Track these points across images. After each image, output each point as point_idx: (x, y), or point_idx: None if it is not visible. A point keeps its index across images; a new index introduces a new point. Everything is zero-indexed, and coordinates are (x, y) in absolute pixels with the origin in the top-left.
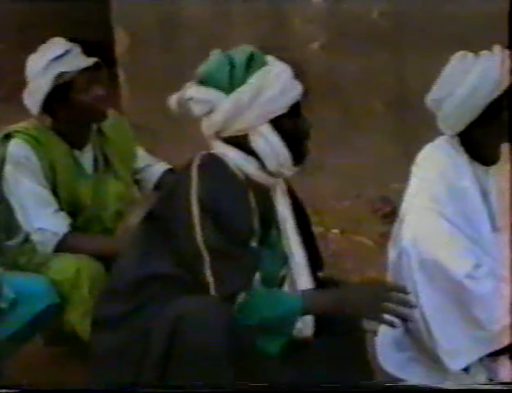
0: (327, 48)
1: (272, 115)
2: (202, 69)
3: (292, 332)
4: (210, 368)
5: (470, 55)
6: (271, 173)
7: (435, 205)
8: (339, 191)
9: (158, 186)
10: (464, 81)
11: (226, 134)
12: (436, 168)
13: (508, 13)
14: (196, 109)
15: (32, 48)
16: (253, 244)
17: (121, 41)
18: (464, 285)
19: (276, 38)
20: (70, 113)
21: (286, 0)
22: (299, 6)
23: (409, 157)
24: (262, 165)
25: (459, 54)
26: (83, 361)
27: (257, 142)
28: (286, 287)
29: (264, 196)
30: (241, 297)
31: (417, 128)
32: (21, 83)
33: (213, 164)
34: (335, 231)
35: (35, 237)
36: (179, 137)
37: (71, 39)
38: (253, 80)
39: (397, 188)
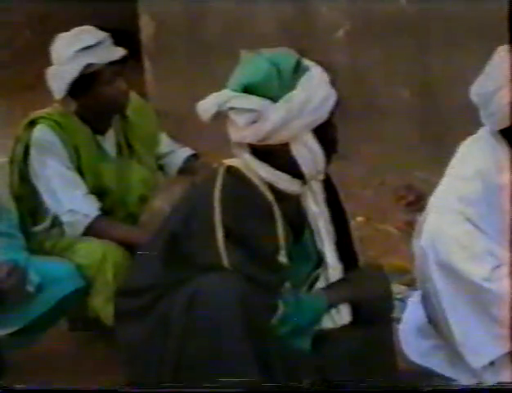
0: (352, 35)
1: (316, 123)
2: (243, 77)
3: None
4: (225, 340)
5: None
6: (303, 181)
7: (461, 207)
8: (364, 179)
9: (182, 171)
10: None
11: (265, 143)
12: (475, 165)
13: (508, 13)
14: (240, 119)
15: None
16: (281, 258)
17: (147, 28)
18: (483, 286)
19: (300, 25)
20: (92, 102)
21: None
22: None
23: (433, 145)
24: (293, 176)
25: (503, 48)
26: (106, 346)
27: (299, 151)
28: (321, 284)
29: (294, 202)
30: (281, 309)
31: (442, 116)
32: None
33: (237, 184)
34: (360, 219)
35: (65, 219)
36: (202, 124)
37: (102, 28)
38: (301, 87)
39: (421, 176)
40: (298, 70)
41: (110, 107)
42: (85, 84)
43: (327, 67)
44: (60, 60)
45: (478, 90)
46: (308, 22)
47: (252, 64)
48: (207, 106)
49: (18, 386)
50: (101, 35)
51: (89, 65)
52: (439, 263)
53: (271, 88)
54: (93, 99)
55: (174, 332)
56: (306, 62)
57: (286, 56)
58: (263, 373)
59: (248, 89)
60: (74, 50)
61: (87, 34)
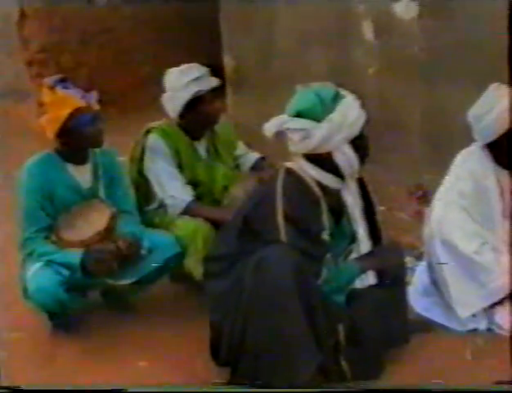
0: (379, 74)
1: (351, 137)
2: (296, 105)
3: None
4: (283, 295)
5: (503, 85)
6: (342, 180)
7: (460, 200)
8: (387, 178)
9: (253, 169)
10: (498, 103)
11: (314, 152)
12: (468, 168)
13: (508, 13)
14: (294, 136)
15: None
16: (325, 236)
17: (228, 65)
18: (472, 258)
19: (342, 65)
20: (197, 118)
21: (350, 36)
22: (357, 41)
23: (438, 154)
24: (335, 176)
25: (495, 84)
26: (197, 296)
27: (339, 159)
28: (354, 255)
29: (336, 195)
30: (324, 276)
31: (445, 133)
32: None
33: (293, 182)
34: (382, 208)
35: (168, 202)
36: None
37: (203, 65)
38: (339, 111)
39: (429, 178)
40: (337, 98)
41: (208, 121)
42: (192, 105)
43: (359, 95)
44: (174, 88)
45: (471, 113)
46: (348, 63)
47: (302, 94)
48: (270, 127)
49: (17, 386)
50: (203, 69)
51: (197, 92)
52: (442, 239)
53: (316, 113)
54: (198, 115)
55: (246, 288)
56: (343, 92)
57: (327, 88)
58: (310, 319)
59: (299, 114)
60: (186, 80)
61: (194, 69)
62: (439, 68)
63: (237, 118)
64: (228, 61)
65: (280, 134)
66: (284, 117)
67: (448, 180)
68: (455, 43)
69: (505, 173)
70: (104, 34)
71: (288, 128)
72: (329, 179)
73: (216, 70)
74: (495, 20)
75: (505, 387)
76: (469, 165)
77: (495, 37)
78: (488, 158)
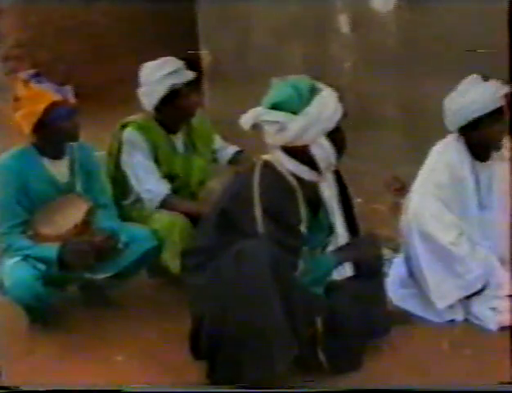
0: (356, 67)
1: (328, 130)
2: (272, 97)
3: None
4: (260, 285)
5: (478, 78)
6: (319, 172)
7: (436, 191)
8: (363, 171)
9: (230, 162)
10: (473, 96)
11: (290, 145)
12: (444, 160)
13: (508, 13)
14: (271, 128)
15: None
16: (302, 228)
17: (206, 58)
18: (449, 249)
19: (319, 58)
20: (173, 112)
21: (326, 30)
22: (334, 34)
23: (414, 147)
24: (312, 168)
25: (472, 76)
26: (174, 289)
27: (316, 152)
28: (331, 248)
29: (313, 188)
30: (301, 268)
31: (422, 126)
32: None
33: (271, 174)
34: (359, 200)
35: (145, 196)
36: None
37: (180, 58)
38: (315, 104)
39: (406, 170)
40: (313, 91)
41: (185, 115)
42: (169, 98)
43: (336, 88)
44: (149, 82)
45: (447, 105)
46: (324, 57)
47: (279, 87)
48: (246, 120)
49: (18, 387)
50: (179, 63)
51: (173, 85)
52: (420, 231)
53: (292, 105)
54: (174, 109)
55: (224, 280)
56: (319, 85)
57: (304, 80)
58: (287, 311)
59: (275, 106)
60: (162, 74)
61: (170, 63)
62: (416, 61)
63: (214, 111)
64: (205, 55)
65: (257, 127)
66: (260, 109)
67: (424, 172)
68: (432, 37)
69: (480, 165)
70: (81, 29)
71: (264, 121)
72: (305, 172)
73: (193, 63)
74: (471, 14)
75: (505, 387)
76: (445, 157)
77: (471, 30)
78: (464, 149)
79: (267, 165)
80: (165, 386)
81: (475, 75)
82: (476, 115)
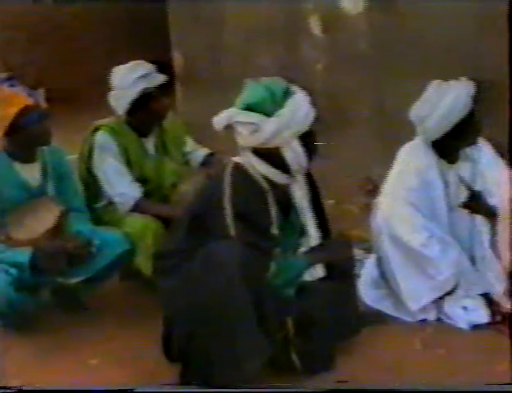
0: (327, 69)
1: (300, 133)
2: (246, 98)
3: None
4: (230, 286)
5: (444, 83)
6: (290, 175)
7: (406, 194)
8: (336, 173)
9: (202, 165)
10: (441, 104)
11: (262, 147)
12: (413, 163)
13: (508, 13)
14: (244, 130)
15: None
16: (273, 230)
17: (177, 61)
18: (420, 251)
19: (291, 60)
20: (144, 115)
21: (298, 32)
22: (305, 37)
23: (386, 148)
24: (283, 171)
25: (435, 82)
26: (147, 293)
27: (287, 154)
28: (303, 249)
29: (284, 190)
30: (272, 269)
31: (392, 127)
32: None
33: (241, 177)
34: (332, 201)
35: (117, 199)
36: (218, 131)
37: (150, 62)
38: (288, 106)
39: (378, 172)
40: (287, 94)
41: (156, 118)
42: (140, 102)
43: (309, 92)
44: (121, 86)
45: (415, 113)
46: (296, 59)
47: (253, 88)
48: (219, 120)
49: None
50: (151, 66)
51: (144, 89)
52: (390, 235)
53: (266, 107)
54: (146, 112)
55: (195, 283)
56: (293, 88)
57: (278, 83)
58: (258, 313)
59: (249, 107)
60: (134, 78)
61: (141, 66)
62: (387, 62)
63: (186, 114)
64: (177, 58)
65: (230, 128)
66: (234, 110)
67: (393, 175)
68: (403, 38)
69: (449, 167)
70: (52, 33)
71: (237, 122)
72: (276, 174)
73: (164, 66)
74: (442, 16)
75: (505, 387)
76: (414, 160)
77: (441, 32)
78: (431, 152)
79: (238, 168)
80: (175, 386)
81: (438, 82)
82: (448, 128)
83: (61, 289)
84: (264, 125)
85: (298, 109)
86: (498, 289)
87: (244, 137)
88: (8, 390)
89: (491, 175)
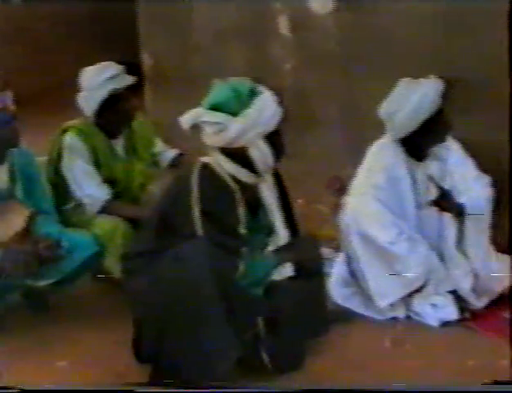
0: (296, 69)
1: (267, 133)
2: (212, 98)
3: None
4: (199, 286)
5: (413, 81)
6: (258, 174)
7: (374, 191)
8: (304, 172)
9: (170, 165)
10: (409, 100)
11: (229, 146)
12: (381, 161)
13: (508, 13)
14: (210, 129)
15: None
16: (241, 230)
17: (147, 62)
18: (388, 248)
19: (259, 60)
20: (113, 116)
21: (266, 31)
22: (274, 36)
23: (354, 147)
24: (251, 171)
25: (405, 80)
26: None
27: (254, 154)
28: (271, 248)
29: (252, 190)
30: (241, 269)
31: (361, 126)
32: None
33: (209, 176)
34: (300, 201)
35: (86, 201)
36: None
37: (119, 62)
38: (255, 106)
39: (348, 171)
40: (253, 94)
41: (125, 119)
42: (109, 103)
43: (276, 91)
44: (89, 87)
45: (383, 110)
46: (265, 59)
47: (219, 88)
48: (186, 120)
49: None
50: (119, 67)
51: (113, 90)
52: (359, 232)
53: (231, 107)
54: (115, 113)
55: (163, 283)
56: (260, 87)
57: (244, 83)
58: (227, 313)
59: (215, 107)
60: (102, 79)
61: (110, 67)
62: (356, 62)
63: (155, 115)
64: (146, 58)
65: (197, 127)
66: (200, 110)
67: (361, 173)
68: (372, 38)
69: (417, 165)
70: (19, 34)
71: (204, 121)
72: (244, 174)
73: (133, 67)
74: (411, 15)
75: (505, 387)
76: (382, 158)
77: (411, 32)
78: (400, 150)
79: (206, 167)
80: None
81: (407, 79)
82: (416, 125)
83: (31, 292)
84: (230, 125)
85: (265, 109)
86: (465, 286)
87: (211, 137)
88: (8, 390)
89: (460, 174)
